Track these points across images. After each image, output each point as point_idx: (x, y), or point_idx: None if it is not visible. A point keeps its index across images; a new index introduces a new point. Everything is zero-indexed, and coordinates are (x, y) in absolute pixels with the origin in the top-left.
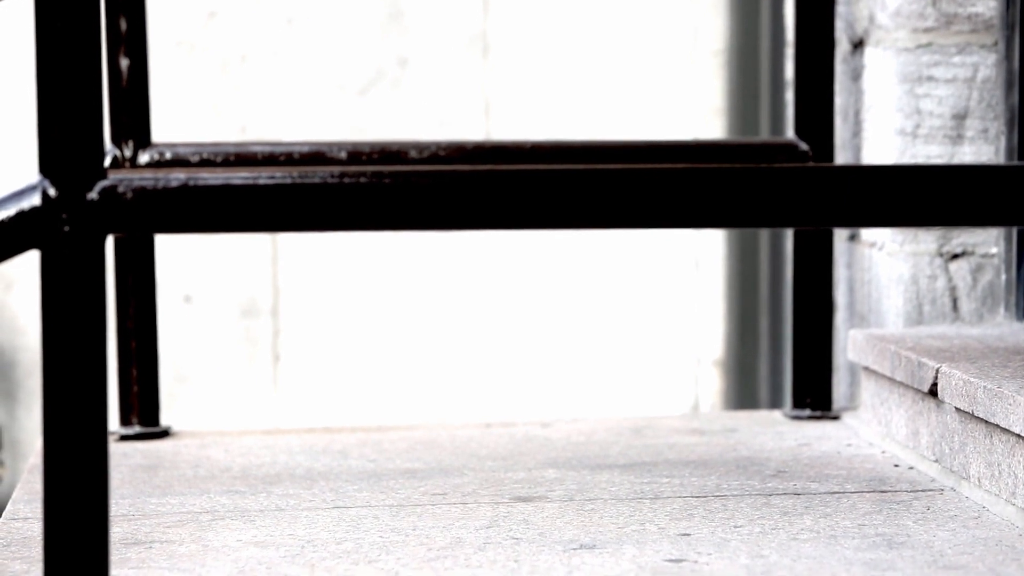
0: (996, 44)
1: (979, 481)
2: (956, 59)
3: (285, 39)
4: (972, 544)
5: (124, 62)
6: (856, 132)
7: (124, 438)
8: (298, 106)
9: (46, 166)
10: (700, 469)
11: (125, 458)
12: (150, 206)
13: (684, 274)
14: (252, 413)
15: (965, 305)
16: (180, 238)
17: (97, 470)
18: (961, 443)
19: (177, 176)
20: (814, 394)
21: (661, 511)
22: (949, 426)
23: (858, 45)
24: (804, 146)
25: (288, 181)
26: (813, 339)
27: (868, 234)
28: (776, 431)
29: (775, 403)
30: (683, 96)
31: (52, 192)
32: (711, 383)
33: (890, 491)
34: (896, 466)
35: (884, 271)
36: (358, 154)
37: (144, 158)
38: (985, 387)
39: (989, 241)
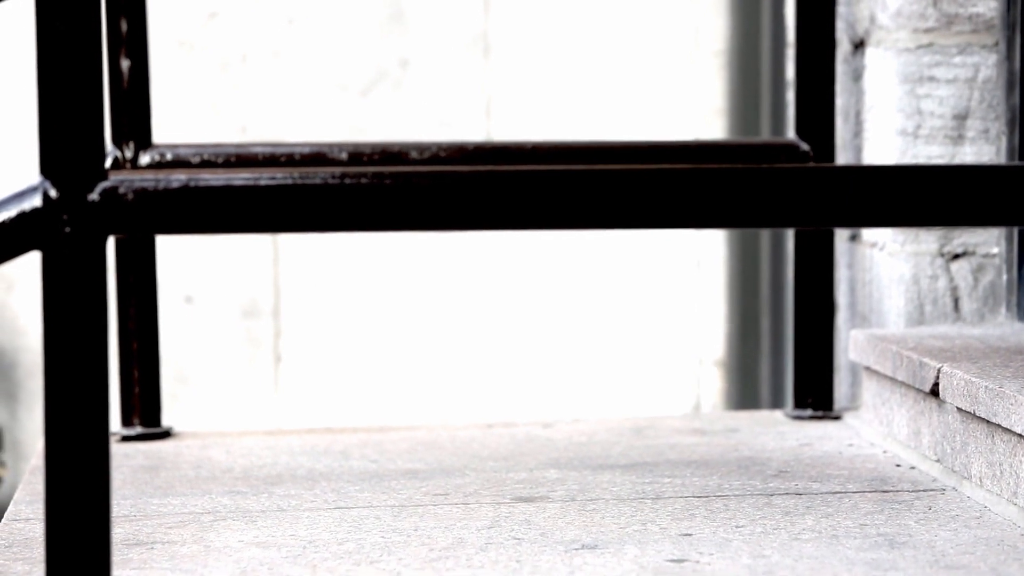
0: (997, 44)
1: (981, 481)
2: (957, 59)
3: (286, 39)
4: (974, 544)
5: (125, 63)
6: (857, 132)
7: (126, 439)
8: (299, 107)
9: (47, 167)
10: (702, 469)
11: (127, 459)
12: (151, 207)
13: (685, 274)
14: (253, 414)
15: (966, 305)
16: (181, 239)
17: (99, 471)
18: (963, 443)
19: (178, 177)
20: (815, 394)
21: (663, 511)
22: (951, 426)
23: (859, 45)
24: (805, 146)
25: (289, 182)
26: (814, 339)
27: (869, 234)
28: (778, 431)
29: (776, 403)
30: (684, 96)
31: (53, 193)
32: (712, 383)
33: (892, 491)
34: (898, 466)
35: (885, 271)
36: (359, 155)
37: (145, 159)
38: (987, 387)
39: (990, 241)
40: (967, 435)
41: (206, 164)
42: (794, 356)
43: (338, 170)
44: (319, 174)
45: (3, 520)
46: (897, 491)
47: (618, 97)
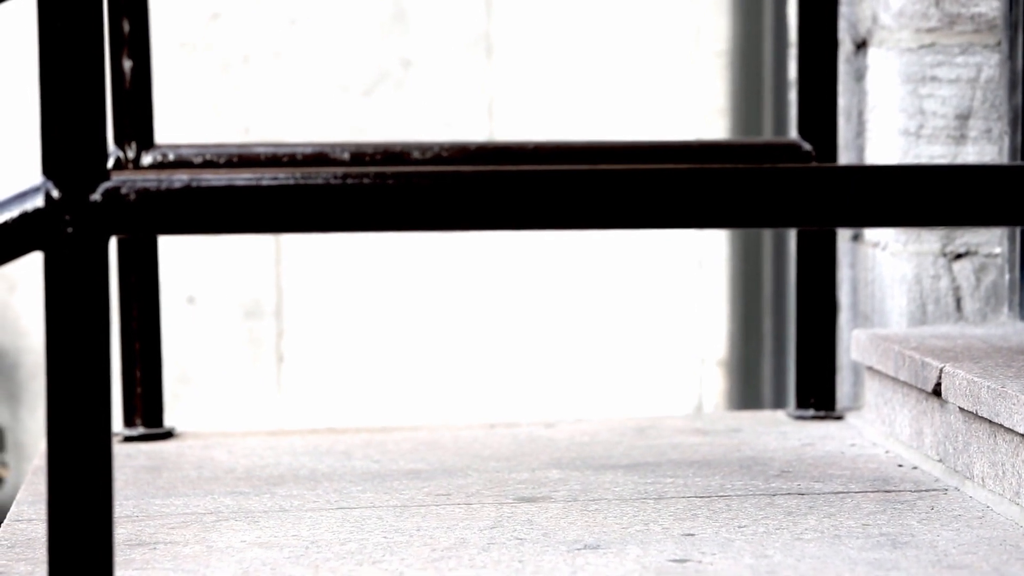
0: (999, 44)
1: (983, 481)
2: (959, 59)
3: (288, 40)
4: (976, 544)
5: (127, 63)
6: (859, 132)
7: (128, 439)
8: (301, 107)
9: (49, 168)
10: (704, 469)
11: (129, 459)
12: (153, 207)
13: (687, 274)
14: (256, 414)
15: (969, 305)
16: (183, 239)
17: (101, 471)
18: (965, 443)
19: (180, 177)
20: (818, 394)
21: (665, 511)
22: (953, 426)
23: (861, 45)
24: (807, 146)
25: (291, 182)
26: (817, 339)
27: (871, 234)
28: (780, 431)
29: (779, 403)
30: (686, 96)
31: (55, 194)
32: (715, 383)
33: (894, 491)
34: (900, 466)
35: (887, 271)
36: (361, 155)
37: (147, 159)
38: (989, 387)
39: (992, 241)
40: (969, 435)
41: (208, 164)
42: (796, 356)
43: (340, 170)
44: (321, 174)
45: (6, 521)
46: (899, 491)
47: (620, 97)
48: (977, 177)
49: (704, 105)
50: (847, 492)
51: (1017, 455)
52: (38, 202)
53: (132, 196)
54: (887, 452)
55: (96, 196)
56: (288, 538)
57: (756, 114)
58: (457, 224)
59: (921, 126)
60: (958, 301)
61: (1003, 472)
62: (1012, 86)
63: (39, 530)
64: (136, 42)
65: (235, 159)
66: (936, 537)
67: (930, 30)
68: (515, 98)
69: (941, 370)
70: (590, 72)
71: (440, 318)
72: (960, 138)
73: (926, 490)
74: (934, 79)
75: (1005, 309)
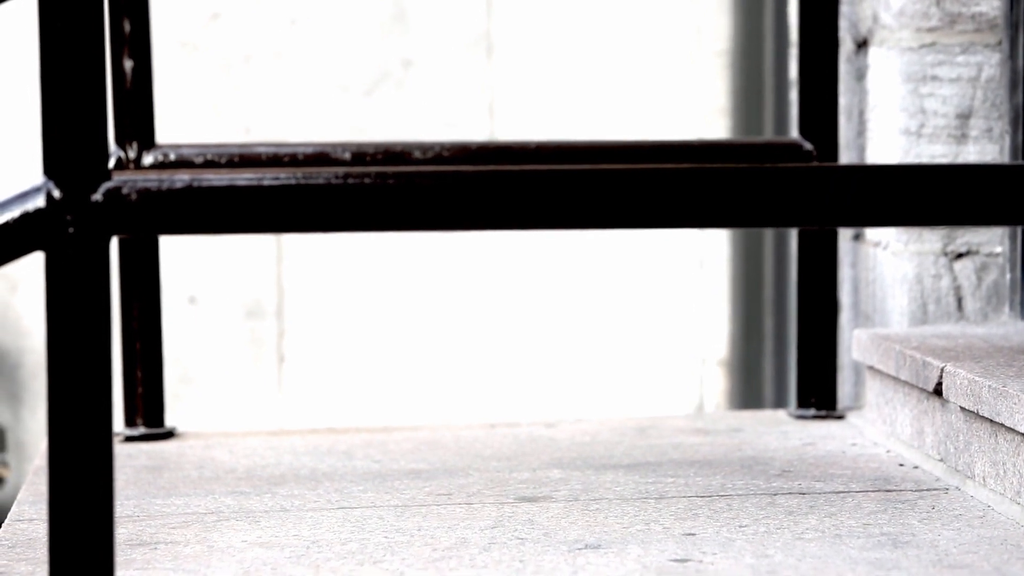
0: (1000, 43)
1: (984, 480)
2: (960, 58)
3: (289, 40)
4: (977, 543)
5: (128, 63)
6: (860, 132)
7: (129, 439)
8: (302, 107)
9: (50, 168)
10: (705, 469)
11: (130, 459)
12: (154, 207)
13: (688, 274)
14: (257, 414)
15: (970, 304)
16: (185, 239)
17: (102, 471)
18: (966, 442)
19: (181, 177)
20: (819, 394)
21: (666, 511)
22: (954, 425)
23: (862, 45)
24: (808, 146)
25: (292, 182)
26: (818, 339)
27: (872, 233)
28: (781, 431)
29: (780, 403)
30: (687, 96)
31: (56, 194)
32: (716, 383)
33: (895, 490)
34: (901, 465)
35: (889, 270)
36: (362, 155)
37: (148, 159)
38: (990, 386)
39: (994, 240)
40: (970, 434)
41: (209, 164)
42: (797, 355)
43: (341, 170)
44: (322, 174)
45: (7, 521)
46: (900, 491)
47: (621, 96)
48: (978, 176)
49: (705, 104)
50: (848, 492)
51: (1018, 454)
52: (39, 202)
53: (133, 196)
54: (888, 451)
55: (97, 196)
56: (289, 538)
57: (757, 114)
58: (458, 224)
59: (922, 125)
60: (959, 301)
61: (1004, 471)
62: (1013, 85)
63: (40, 530)
64: (137, 42)
65: (236, 159)
66: (937, 537)
67: (931, 29)
68: (516, 98)
69: (942, 370)
70: (591, 71)
71: (441, 318)
72: (961, 137)
73: (927, 489)
74: (935, 78)
75: (1006, 308)
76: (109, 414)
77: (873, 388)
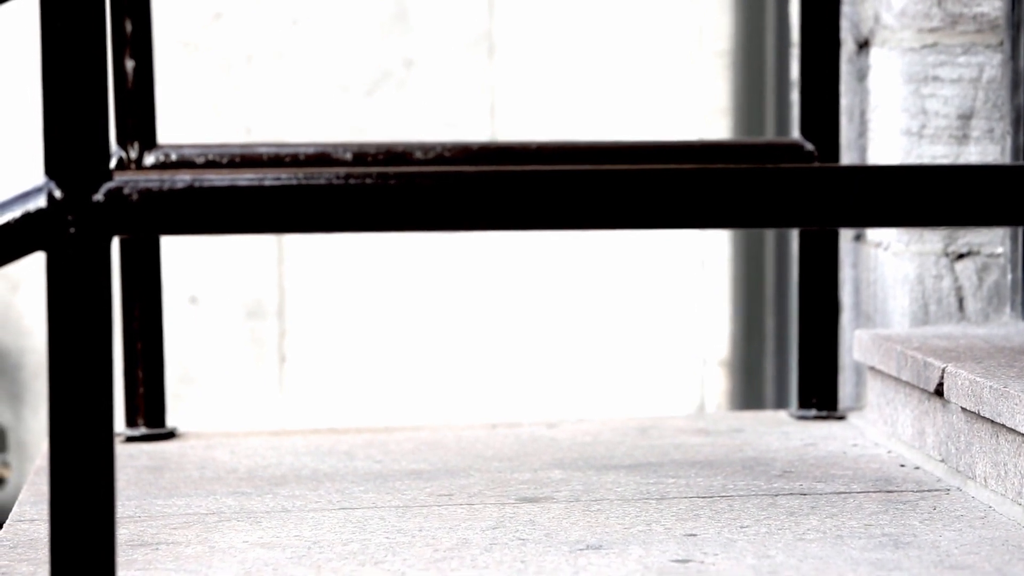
0: (1001, 44)
1: (985, 481)
2: (961, 59)
3: (290, 40)
4: (978, 544)
5: (129, 63)
6: (862, 132)
7: (130, 439)
8: (303, 107)
9: (52, 168)
10: (706, 469)
11: (131, 459)
12: (156, 207)
13: (690, 274)
14: (258, 414)
15: (971, 305)
16: (186, 239)
17: (103, 472)
18: (967, 443)
19: (183, 178)
20: (820, 394)
21: (667, 511)
22: (955, 426)
23: (863, 45)
24: (810, 146)
25: (294, 182)
26: (819, 339)
27: (874, 234)
28: (782, 431)
29: (781, 403)
30: (688, 96)
31: (58, 194)
32: (717, 383)
33: (896, 491)
34: (902, 466)
35: (890, 271)
36: (363, 155)
37: (150, 160)
38: (991, 387)
39: (995, 241)
40: (971, 435)
41: (211, 164)
42: (798, 356)
43: (343, 170)
44: (323, 174)
45: (8, 521)
46: (902, 491)
47: (622, 97)
48: (979, 177)
49: (706, 105)
50: (849, 492)
51: (1019, 455)
52: (40, 202)
53: (135, 196)
54: (889, 452)
55: (99, 196)
56: (290, 538)
57: (758, 114)
58: (460, 225)
59: (923, 126)
60: (960, 301)
61: (1005, 472)
62: (1014, 86)
63: (41, 530)
64: (138, 42)
65: (238, 159)
66: (938, 537)
67: (932, 30)
68: (517, 98)
69: (943, 370)
70: (592, 72)
71: (442, 318)
72: (962, 138)
73: (928, 490)
74: (936, 79)
75: (1007, 309)
76: (110, 414)
77: (874, 389)
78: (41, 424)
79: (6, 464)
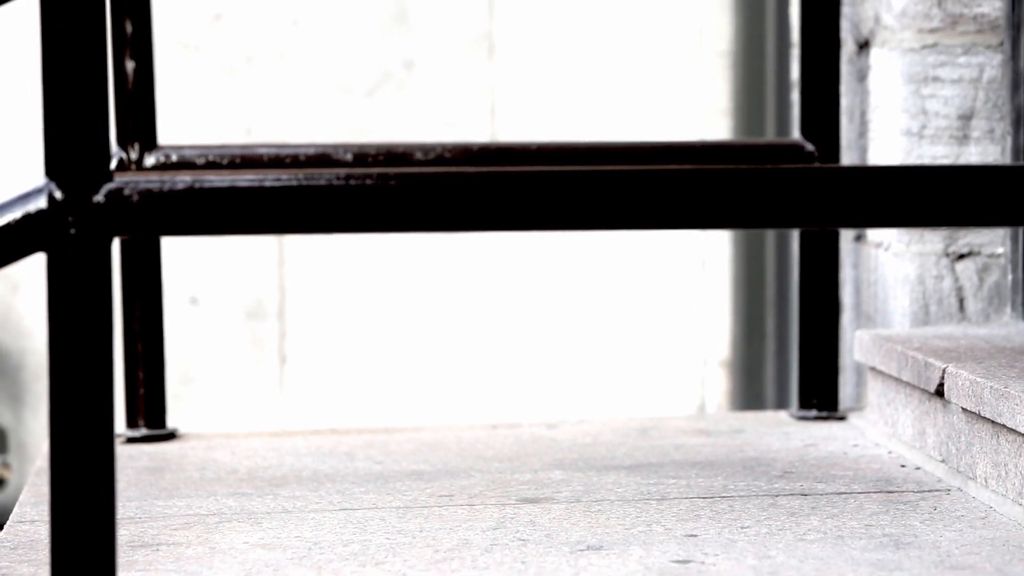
0: (1002, 44)
1: (986, 481)
2: (962, 59)
3: (290, 41)
4: (979, 544)
5: (130, 64)
6: (862, 133)
7: (130, 440)
8: (303, 108)
9: (52, 169)
10: (707, 470)
11: (131, 460)
12: (156, 208)
13: (690, 275)
14: (258, 415)
15: (971, 305)
16: (186, 240)
17: (103, 473)
18: (968, 443)
19: (183, 178)
20: (820, 395)
21: (668, 512)
22: (956, 426)
23: (864, 46)
24: (810, 147)
25: (294, 183)
26: (819, 340)
27: (874, 234)
28: (782, 432)
29: (781, 404)
30: (688, 97)
31: (58, 195)
32: (717, 384)
33: (897, 491)
34: (903, 466)
35: (890, 271)
36: (364, 156)
37: (150, 160)
38: (992, 387)
39: (995, 241)
40: (972, 435)
41: (211, 165)
42: (799, 356)
43: (343, 171)
44: (324, 175)
45: (8, 522)
46: (902, 491)
47: (623, 97)
48: (980, 177)
49: (706, 105)
50: (850, 493)
51: (1020, 456)
52: (41, 203)
53: (135, 197)
54: (890, 453)
55: (99, 197)
56: (291, 539)
57: (759, 114)
58: (460, 225)
59: (924, 126)
60: (961, 301)
61: (1006, 473)
62: (1015, 86)
63: (42, 531)
64: (139, 43)
65: (238, 160)
66: (939, 538)
67: (932, 30)
68: (518, 98)
69: (944, 371)
70: (592, 72)
71: (443, 319)
72: (963, 138)
73: (929, 491)
74: (936, 79)
75: (1008, 309)
76: (111, 415)
77: (875, 389)
78: (41, 425)
79: (6, 465)
